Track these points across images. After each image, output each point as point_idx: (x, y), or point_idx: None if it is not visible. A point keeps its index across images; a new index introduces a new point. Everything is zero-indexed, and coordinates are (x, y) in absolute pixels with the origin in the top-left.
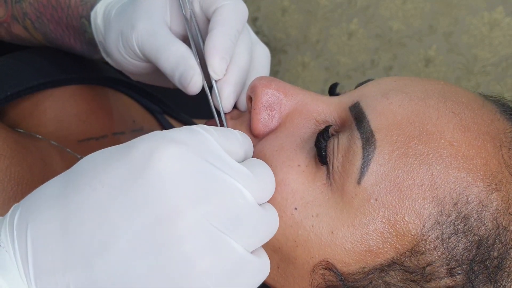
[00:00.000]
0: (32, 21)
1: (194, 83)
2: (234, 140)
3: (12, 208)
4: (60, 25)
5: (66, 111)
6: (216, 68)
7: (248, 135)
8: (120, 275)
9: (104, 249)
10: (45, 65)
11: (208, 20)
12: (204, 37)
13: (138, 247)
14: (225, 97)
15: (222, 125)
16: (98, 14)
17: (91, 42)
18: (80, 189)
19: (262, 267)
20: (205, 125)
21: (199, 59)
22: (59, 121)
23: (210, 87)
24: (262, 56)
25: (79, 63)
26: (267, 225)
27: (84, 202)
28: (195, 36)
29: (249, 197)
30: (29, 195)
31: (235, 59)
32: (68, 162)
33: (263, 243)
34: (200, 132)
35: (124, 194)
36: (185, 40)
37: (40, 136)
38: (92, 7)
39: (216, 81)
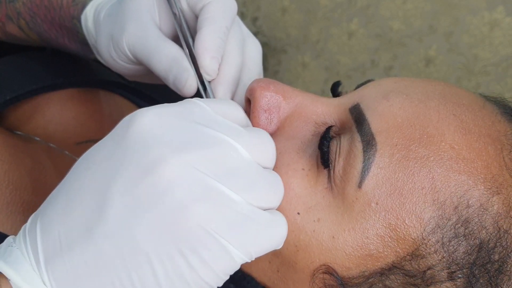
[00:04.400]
0: (26, 21)
1: (189, 86)
2: (234, 109)
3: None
4: (53, 25)
5: (64, 114)
6: (208, 68)
7: None
8: (123, 238)
9: (101, 215)
10: (43, 69)
11: (196, 17)
12: (194, 34)
13: (133, 204)
14: (219, 98)
15: None
16: (88, 17)
17: (85, 42)
18: (77, 172)
19: (273, 222)
20: (204, 98)
21: (191, 58)
22: (58, 123)
23: (205, 87)
24: (253, 51)
25: (77, 67)
26: (271, 185)
27: (80, 181)
28: (185, 35)
29: (243, 152)
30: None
31: (226, 58)
32: (67, 164)
33: (272, 204)
34: (192, 100)
35: (110, 159)
36: (176, 38)
37: (38, 139)
38: (83, 8)
39: (209, 81)
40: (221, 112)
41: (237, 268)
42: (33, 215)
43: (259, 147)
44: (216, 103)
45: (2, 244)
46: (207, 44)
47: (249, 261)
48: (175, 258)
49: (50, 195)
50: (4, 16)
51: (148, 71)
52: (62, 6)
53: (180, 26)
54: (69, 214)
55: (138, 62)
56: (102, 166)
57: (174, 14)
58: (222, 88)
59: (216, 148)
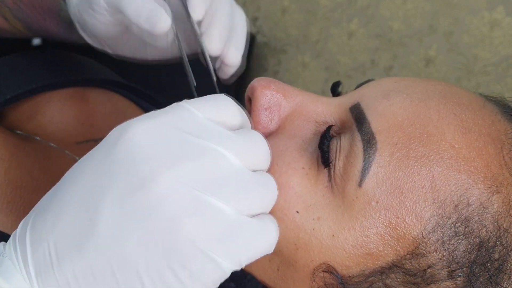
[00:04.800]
0: (10, 8)
1: (164, 22)
2: (227, 109)
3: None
4: (35, 8)
5: (64, 113)
6: (195, 6)
7: None
8: (113, 253)
9: (91, 230)
10: (43, 68)
11: None
12: None
13: (123, 220)
14: (211, 43)
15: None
16: None
17: (69, 21)
18: (67, 183)
19: (263, 229)
20: (194, 99)
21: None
22: (58, 123)
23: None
24: (240, 18)
25: (77, 66)
26: (262, 189)
27: (71, 193)
28: None
29: (232, 159)
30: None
31: (216, 7)
32: (67, 164)
33: (264, 209)
34: (181, 105)
35: (100, 174)
36: None
37: (38, 138)
38: None
39: (198, 24)
40: (212, 116)
41: (226, 276)
42: (22, 221)
43: (249, 151)
44: (206, 104)
45: None
46: None
47: (239, 268)
48: (165, 273)
49: (40, 203)
50: None
51: (124, 27)
52: None
53: None
54: (59, 227)
55: (113, 10)
56: (92, 179)
57: None
58: (214, 34)
59: (205, 158)
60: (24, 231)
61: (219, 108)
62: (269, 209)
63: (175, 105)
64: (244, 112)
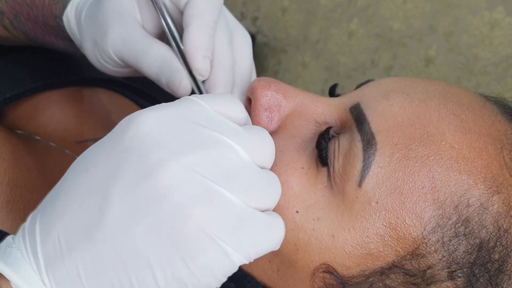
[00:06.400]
0: (10, 20)
1: (184, 87)
2: (233, 105)
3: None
4: (37, 23)
5: (64, 113)
6: (200, 69)
7: None
8: (123, 242)
9: (100, 219)
10: (43, 67)
11: (181, 13)
12: (180, 31)
13: (132, 208)
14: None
15: None
16: (70, 19)
17: (71, 40)
18: (76, 173)
19: (271, 224)
20: (203, 94)
21: (181, 56)
22: (58, 122)
23: (198, 86)
24: (242, 44)
25: (77, 65)
26: (268, 185)
27: (79, 183)
28: (172, 32)
29: (242, 153)
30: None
31: (217, 58)
32: (67, 163)
33: (270, 206)
34: (190, 99)
35: (109, 162)
36: (161, 36)
37: (39, 138)
38: (64, 7)
39: (203, 82)
40: (220, 110)
41: (235, 269)
42: (31, 214)
43: (258, 147)
44: (215, 99)
45: (1, 244)
46: (197, 43)
47: (248, 262)
48: (175, 262)
49: (49, 195)
50: None
51: (138, 72)
52: (45, 4)
53: (166, 23)
54: (68, 216)
55: (127, 65)
56: (100, 168)
57: (160, 10)
58: (218, 90)
59: (215, 149)
60: (34, 222)
61: (227, 104)
62: (273, 207)
63: (184, 98)
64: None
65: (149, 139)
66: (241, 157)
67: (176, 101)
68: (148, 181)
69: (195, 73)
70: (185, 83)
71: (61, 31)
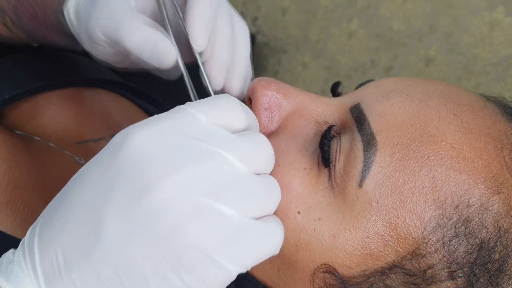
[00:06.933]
0: (11, 19)
1: (170, 56)
2: (230, 110)
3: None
4: (37, 21)
5: (64, 113)
6: (198, 39)
7: None
8: (120, 261)
9: (97, 238)
10: (42, 68)
11: None
12: (178, 9)
13: (128, 227)
14: (213, 77)
15: None
16: (70, 9)
17: (71, 35)
18: (72, 191)
19: (268, 232)
20: (197, 101)
21: (175, 34)
22: (58, 123)
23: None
24: (242, 31)
25: (77, 66)
26: (266, 192)
27: (75, 201)
28: (165, 5)
29: (237, 164)
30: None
31: (218, 35)
32: (67, 164)
33: (268, 212)
34: (184, 108)
35: (104, 180)
36: (155, 17)
37: (38, 138)
38: (64, 0)
39: (199, 54)
40: (214, 118)
41: (233, 279)
42: (30, 228)
43: (253, 155)
44: (210, 106)
45: (2, 259)
46: (199, 14)
47: (245, 271)
48: (172, 279)
49: (47, 209)
50: None
51: (127, 55)
52: (45, 2)
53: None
54: (65, 235)
55: (114, 43)
56: (95, 187)
57: None
58: (215, 66)
59: (209, 162)
60: (32, 238)
61: (223, 110)
62: (273, 212)
63: (177, 108)
64: (249, 111)
65: (141, 157)
66: (236, 168)
67: (170, 111)
68: (141, 202)
69: (192, 42)
70: (171, 51)
71: (61, 27)
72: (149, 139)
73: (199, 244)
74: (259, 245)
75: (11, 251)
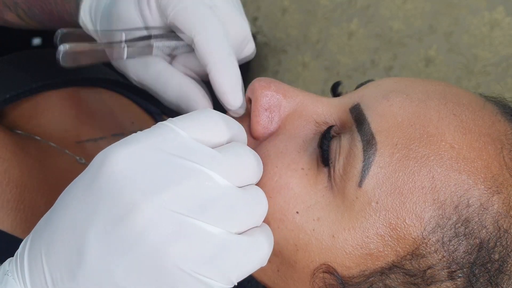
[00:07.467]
0: (24, 11)
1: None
2: (212, 124)
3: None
4: (52, 17)
5: (64, 113)
6: (232, 104)
7: (248, 138)
8: (104, 282)
9: (80, 259)
10: (43, 67)
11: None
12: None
13: (109, 250)
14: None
15: None
16: (87, 24)
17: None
18: (59, 209)
19: (253, 245)
20: (178, 117)
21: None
22: (58, 122)
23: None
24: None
25: None
26: (251, 205)
27: (61, 221)
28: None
29: (219, 179)
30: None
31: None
32: (67, 163)
33: (255, 224)
34: (165, 125)
35: (85, 202)
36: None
37: (39, 138)
38: (77, 7)
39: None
40: (196, 134)
41: None
42: (22, 242)
43: (237, 169)
44: (191, 122)
45: None
46: (225, 83)
47: (231, 286)
48: None
49: (39, 224)
50: (1, 4)
51: None
52: (57, 1)
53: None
54: (52, 253)
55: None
56: (79, 208)
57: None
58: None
59: (191, 180)
60: (23, 252)
61: (204, 125)
62: (260, 223)
63: (159, 124)
64: (233, 123)
65: (121, 179)
66: (218, 183)
67: (150, 129)
68: (122, 224)
69: (227, 107)
70: (204, 105)
71: (78, 25)
72: (128, 158)
73: (182, 264)
74: (244, 260)
75: (8, 261)
